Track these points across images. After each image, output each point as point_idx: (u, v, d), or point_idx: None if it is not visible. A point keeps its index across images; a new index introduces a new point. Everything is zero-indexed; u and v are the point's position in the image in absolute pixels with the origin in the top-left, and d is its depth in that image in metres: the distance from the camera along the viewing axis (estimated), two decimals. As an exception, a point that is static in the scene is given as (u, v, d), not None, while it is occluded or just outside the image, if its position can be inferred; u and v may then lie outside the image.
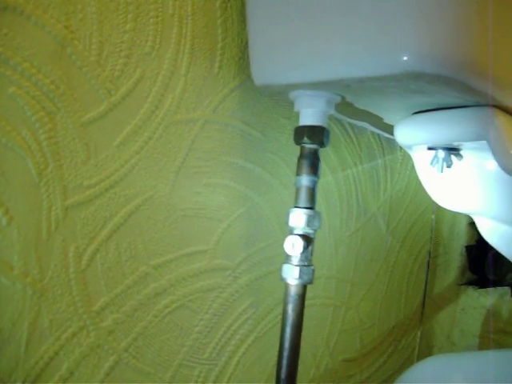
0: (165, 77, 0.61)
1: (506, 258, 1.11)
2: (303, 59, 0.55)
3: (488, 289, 1.15)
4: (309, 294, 0.81)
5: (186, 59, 0.63)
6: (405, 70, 0.49)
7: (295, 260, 0.58)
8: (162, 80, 0.61)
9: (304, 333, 0.83)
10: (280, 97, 0.67)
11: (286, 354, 0.59)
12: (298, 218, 0.58)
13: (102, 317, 0.59)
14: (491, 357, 0.80)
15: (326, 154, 0.82)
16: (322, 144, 0.60)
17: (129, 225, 0.60)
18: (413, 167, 1.02)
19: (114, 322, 0.60)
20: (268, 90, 0.65)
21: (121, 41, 0.58)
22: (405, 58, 0.48)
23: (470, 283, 1.16)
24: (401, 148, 0.99)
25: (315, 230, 0.59)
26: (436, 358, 0.87)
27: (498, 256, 1.12)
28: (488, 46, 0.51)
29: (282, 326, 0.59)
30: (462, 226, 1.15)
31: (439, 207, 1.13)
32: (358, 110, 0.67)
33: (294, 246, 0.57)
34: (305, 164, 0.59)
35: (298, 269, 0.57)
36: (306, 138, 0.59)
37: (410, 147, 0.68)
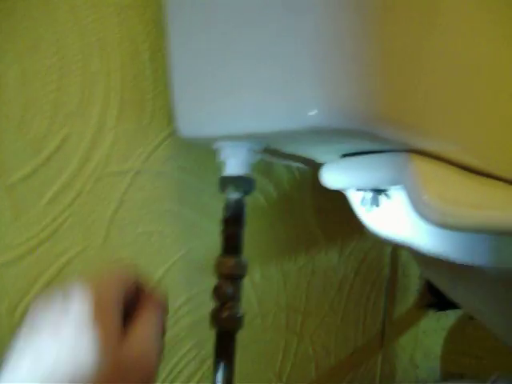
0: (92, 132, 0.63)
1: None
2: (219, 113, 0.57)
3: (447, 311, 1.17)
4: (257, 329, 0.83)
5: (114, 113, 0.64)
6: (311, 125, 0.50)
7: (223, 307, 0.59)
8: (89, 135, 0.63)
9: (255, 367, 0.84)
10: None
11: None
12: (224, 266, 0.59)
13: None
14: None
15: (268, 192, 0.84)
16: (246, 193, 0.61)
17: (61, 279, 0.61)
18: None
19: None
20: (194, 142, 0.67)
21: (45, 101, 0.59)
22: (310, 114, 0.50)
23: (429, 306, 1.18)
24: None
25: (242, 276, 0.60)
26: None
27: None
28: (398, 96, 0.53)
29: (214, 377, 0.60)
30: (420, 250, 1.16)
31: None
32: (287, 155, 0.68)
33: (219, 294, 0.59)
34: (230, 213, 0.61)
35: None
36: (230, 189, 0.61)
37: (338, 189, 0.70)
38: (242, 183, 0.61)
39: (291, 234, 0.88)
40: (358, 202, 0.69)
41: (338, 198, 0.73)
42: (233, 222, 0.60)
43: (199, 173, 0.73)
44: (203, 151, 0.73)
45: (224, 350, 0.60)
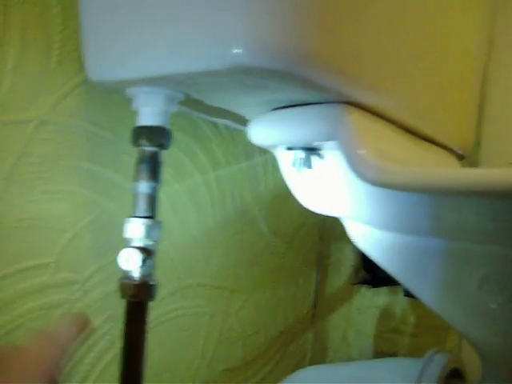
0: (-14, 73, 0.54)
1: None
2: (130, 52, 0.50)
3: (381, 288, 1.13)
4: (176, 305, 0.76)
5: (13, 52, 0.56)
6: (233, 63, 0.44)
7: (134, 275, 0.52)
8: (-18, 76, 0.54)
9: (175, 345, 0.78)
10: (120, 94, 0.61)
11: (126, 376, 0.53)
12: (135, 229, 0.52)
13: None
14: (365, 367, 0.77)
15: (194, 154, 0.77)
16: (162, 146, 0.54)
17: None
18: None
19: None
20: (104, 87, 0.59)
21: None
22: (234, 51, 0.43)
23: (363, 282, 1.13)
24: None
25: (155, 242, 0.53)
26: (307, 370, 0.83)
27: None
28: (331, 35, 0.47)
29: (123, 349, 0.53)
30: (355, 224, 1.12)
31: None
32: (211, 108, 0.62)
33: (128, 261, 0.51)
34: (143, 169, 0.53)
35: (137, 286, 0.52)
36: (144, 141, 0.53)
37: (268, 147, 0.63)
38: (157, 134, 0.54)
39: (215, 199, 0.82)
40: (289, 163, 0.63)
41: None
42: (147, 177, 0.53)
43: (113, 126, 0.66)
44: (118, 102, 0.65)
45: (135, 322, 0.53)
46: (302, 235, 1.02)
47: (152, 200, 0.53)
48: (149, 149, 0.54)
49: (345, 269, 1.13)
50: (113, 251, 0.65)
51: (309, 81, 0.47)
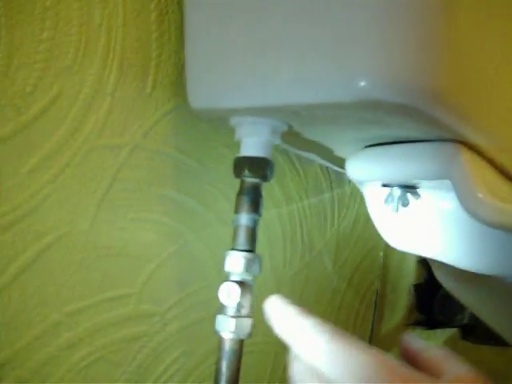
0: (87, 95, 0.53)
1: (455, 298, 1.06)
2: (245, 80, 0.48)
3: (436, 330, 1.10)
4: (248, 341, 0.74)
5: (113, 76, 0.55)
6: (360, 97, 0.42)
7: (231, 311, 0.50)
8: (83, 98, 0.53)
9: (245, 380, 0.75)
10: (220, 123, 0.59)
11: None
12: (235, 263, 0.50)
13: (2, 375, 0.50)
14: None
15: (270, 187, 0.75)
16: (265, 178, 0.53)
17: (38, 265, 0.51)
18: (362, 201, 0.97)
19: (17, 380, 0.51)
20: (206, 115, 0.58)
21: (35, 51, 0.49)
22: (361, 84, 0.42)
23: (417, 324, 1.10)
24: (350, 181, 0.93)
25: (254, 276, 0.51)
26: None
27: (447, 296, 1.07)
28: (462, 72, 0.45)
29: (215, 386, 0.51)
30: (411, 264, 1.09)
31: (387, 244, 1.08)
32: (306, 141, 0.60)
33: (229, 295, 0.49)
34: (245, 200, 0.52)
35: (233, 321, 0.50)
36: (246, 171, 0.52)
37: (361, 183, 0.61)
38: (260, 166, 0.52)
39: (287, 234, 0.80)
40: (380, 200, 0.61)
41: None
42: (248, 209, 0.51)
43: (200, 158, 0.64)
44: (206, 131, 0.64)
45: (230, 358, 0.51)
46: (361, 274, 0.99)
47: (252, 233, 0.52)
48: (251, 180, 0.52)
49: (400, 309, 1.10)
50: (192, 284, 0.63)
51: (435, 118, 0.45)
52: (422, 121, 0.46)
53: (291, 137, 0.58)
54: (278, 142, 0.54)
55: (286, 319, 0.41)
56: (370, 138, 0.56)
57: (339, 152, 0.64)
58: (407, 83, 0.42)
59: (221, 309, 0.51)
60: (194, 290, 0.65)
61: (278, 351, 0.80)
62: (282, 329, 0.41)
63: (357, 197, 0.94)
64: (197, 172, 0.64)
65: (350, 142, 0.58)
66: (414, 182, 0.57)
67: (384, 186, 0.59)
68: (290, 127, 0.54)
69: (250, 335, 0.51)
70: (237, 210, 0.52)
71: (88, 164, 0.54)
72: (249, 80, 0.48)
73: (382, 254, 1.06)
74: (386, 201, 0.59)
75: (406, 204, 0.58)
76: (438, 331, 1.10)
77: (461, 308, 1.06)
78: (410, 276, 1.10)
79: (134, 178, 0.58)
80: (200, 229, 0.65)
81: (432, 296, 1.10)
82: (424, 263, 1.10)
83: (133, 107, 0.57)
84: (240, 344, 0.51)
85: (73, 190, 0.53)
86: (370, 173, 0.56)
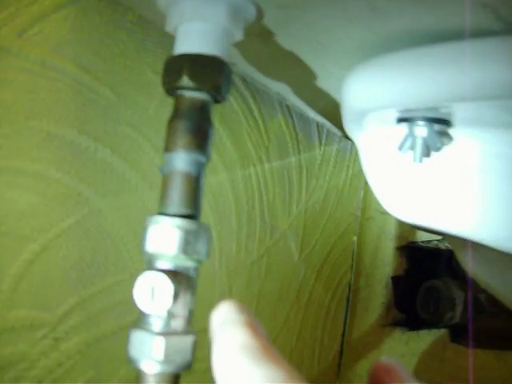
0: None
1: (444, 293, 0.87)
2: None
3: (420, 331, 0.90)
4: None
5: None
6: None
7: (157, 323, 0.28)
8: None
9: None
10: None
11: None
12: (166, 237, 0.28)
13: None
14: None
15: (219, 140, 0.53)
16: (217, 93, 0.30)
17: None
18: (334, 170, 0.76)
19: None
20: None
21: None
22: None
23: (397, 324, 0.91)
24: (320, 144, 0.72)
25: (198, 263, 0.29)
26: None
27: (433, 289, 0.88)
28: None
29: None
30: (388, 251, 0.90)
31: (363, 226, 0.88)
32: (279, 53, 0.38)
33: (153, 295, 0.27)
34: (182, 128, 0.29)
35: (161, 341, 0.27)
36: (186, 79, 0.30)
37: (362, 115, 0.39)
38: (213, 70, 0.30)
39: (242, 207, 0.58)
40: (389, 146, 0.41)
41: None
42: (189, 144, 0.29)
43: (116, 85, 0.42)
44: (128, 46, 0.42)
45: None
46: (332, 263, 0.79)
47: (195, 186, 0.29)
48: (193, 94, 0.30)
49: (375, 307, 0.90)
50: (102, 276, 0.41)
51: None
52: None
53: (259, 44, 0.36)
54: (240, 36, 0.32)
55: (227, 359, 0.23)
56: (384, 40, 0.35)
57: (325, 75, 0.43)
58: None
59: (140, 320, 0.28)
60: (106, 285, 0.43)
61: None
62: (219, 374, 0.23)
63: (328, 165, 0.74)
64: (110, 106, 0.42)
65: (350, 49, 0.37)
66: (445, 112, 0.36)
67: (401, 121, 0.38)
68: (261, 15, 0.32)
69: (191, 365, 0.29)
70: (168, 147, 0.30)
71: None
72: None
73: (355, 238, 0.86)
74: (402, 145, 0.38)
75: (438, 148, 0.37)
76: (423, 333, 0.90)
77: (450, 304, 0.87)
78: (386, 266, 0.90)
79: (4, 101, 0.35)
80: (115, 192, 0.43)
81: (414, 290, 0.91)
82: (404, 250, 0.91)
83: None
84: (174, 381, 0.28)
85: None
86: (387, 91, 0.34)
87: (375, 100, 0.35)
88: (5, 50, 0.35)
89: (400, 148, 0.39)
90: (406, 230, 0.89)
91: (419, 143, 0.37)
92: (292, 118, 0.65)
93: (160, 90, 0.43)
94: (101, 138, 0.41)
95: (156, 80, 0.46)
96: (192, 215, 0.29)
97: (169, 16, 0.32)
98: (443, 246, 0.89)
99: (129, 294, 0.43)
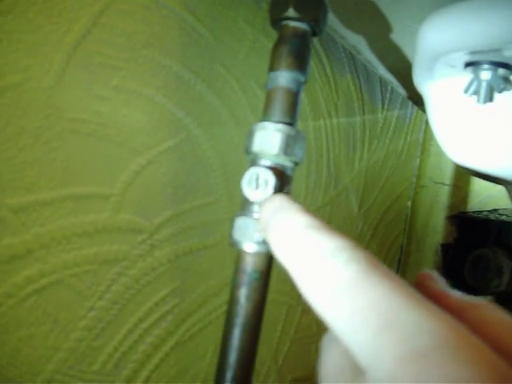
0: None
1: (493, 261, 0.90)
2: None
3: (466, 298, 0.94)
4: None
5: None
6: None
7: (258, 212, 0.33)
8: None
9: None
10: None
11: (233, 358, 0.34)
12: (270, 138, 0.33)
13: None
14: None
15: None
16: (317, 24, 0.35)
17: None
18: (393, 138, 0.80)
19: None
20: None
21: None
22: None
23: (444, 290, 0.94)
24: (383, 108, 0.76)
25: (296, 164, 0.34)
26: None
27: (481, 257, 0.91)
28: None
29: (227, 324, 0.34)
30: (439, 220, 0.93)
31: (417, 193, 0.92)
32: (363, 3, 0.43)
33: (257, 185, 0.32)
34: (286, 52, 0.35)
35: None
36: (291, 10, 0.35)
37: (435, 60, 0.44)
38: (313, 5, 0.35)
39: (312, 157, 0.63)
40: (454, 91, 0.45)
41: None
42: (291, 64, 0.34)
43: (215, 29, 0.47)
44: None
45: (254, 294, 0.34)
46: (387, 223, 0.83)
47: (294, 100, 0.35)
48: (297, 24, 0.35)
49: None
50: (193, 195, 0.47)
51: None
52: None
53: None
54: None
55: (293, 235, 0.25)
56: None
57: (402, 26, 0.47)
58: None
59: (243, 207, 0.34)
60: (196, 205, 0.48)
61: (292, 304, 0.64)
62: (286, 251, 0.25)
63: (389, 130, 0.78)
64: (209, 46, 0.47)
65: (426, 2, 0.41)
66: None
67: (468, 65, 0.42)
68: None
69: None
70: (273, 66, 0.35)
71: (56, -7, 0.36)
72: None
73: (409, 203, 0.90)
74: (468, 89, 0.43)
75: (502, 89, 0.41)
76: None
77: (498, 272, 0.90)
78: (437, 234, 0.94)
79: (124, 30, 0.40)
80: (208, 123, 0.48)
81: (462, 258, 0.94)
82: (454, 219, 0.95)
83: None
84: (268, 263, 0.34)
85: (33, 24, 0.35)
86: (458, 33, 0.39)
87: (447, 43, 0.40)
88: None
89: (465, 91, 0.43)
90: (458, 200, 0.92)
91: (483, 85, 0.42)
92: (359, 79, 0.69)
93: (250, 37, 0.49)
94: (200, 74, 0.47)
95: (246, 28, 0.51)
96: (291, 123, 0.34)
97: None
98: (493, 217, 0.92)
99: (212, 217, 0.49)
